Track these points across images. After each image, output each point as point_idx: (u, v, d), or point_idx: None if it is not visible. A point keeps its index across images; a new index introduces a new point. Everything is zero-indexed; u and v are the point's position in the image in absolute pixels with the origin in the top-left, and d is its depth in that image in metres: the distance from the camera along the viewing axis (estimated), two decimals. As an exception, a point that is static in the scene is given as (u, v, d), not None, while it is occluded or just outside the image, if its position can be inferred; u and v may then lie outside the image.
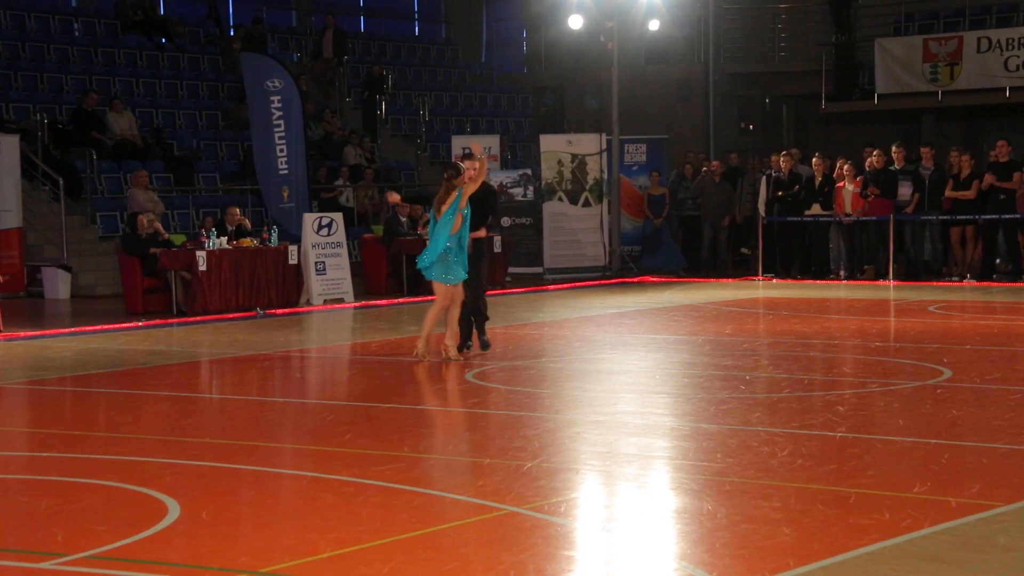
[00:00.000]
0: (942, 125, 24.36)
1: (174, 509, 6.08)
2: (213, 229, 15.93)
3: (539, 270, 20.22)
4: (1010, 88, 22.49)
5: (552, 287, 18.48)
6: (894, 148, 18.85)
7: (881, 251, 18.88)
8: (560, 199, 20.96)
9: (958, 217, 18.31)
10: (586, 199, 20.92)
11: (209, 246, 15.59)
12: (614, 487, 6.61)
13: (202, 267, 15.38)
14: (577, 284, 18.84)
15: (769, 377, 10.12)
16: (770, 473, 6.67)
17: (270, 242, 16.35)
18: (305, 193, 18.37)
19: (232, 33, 24.94)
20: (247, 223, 17.02)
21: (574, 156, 20.93)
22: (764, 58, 26.16)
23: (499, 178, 20.31)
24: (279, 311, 15.78)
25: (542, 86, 27.97)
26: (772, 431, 7.73)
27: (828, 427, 7.84)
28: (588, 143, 21.00)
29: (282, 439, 8.08)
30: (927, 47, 23.24)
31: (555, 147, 21.08)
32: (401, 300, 17.15)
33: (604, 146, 20.86)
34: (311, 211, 17.89)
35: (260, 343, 12.75)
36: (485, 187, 11.21)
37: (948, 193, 18.41)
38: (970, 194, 18.21)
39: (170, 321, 14.75)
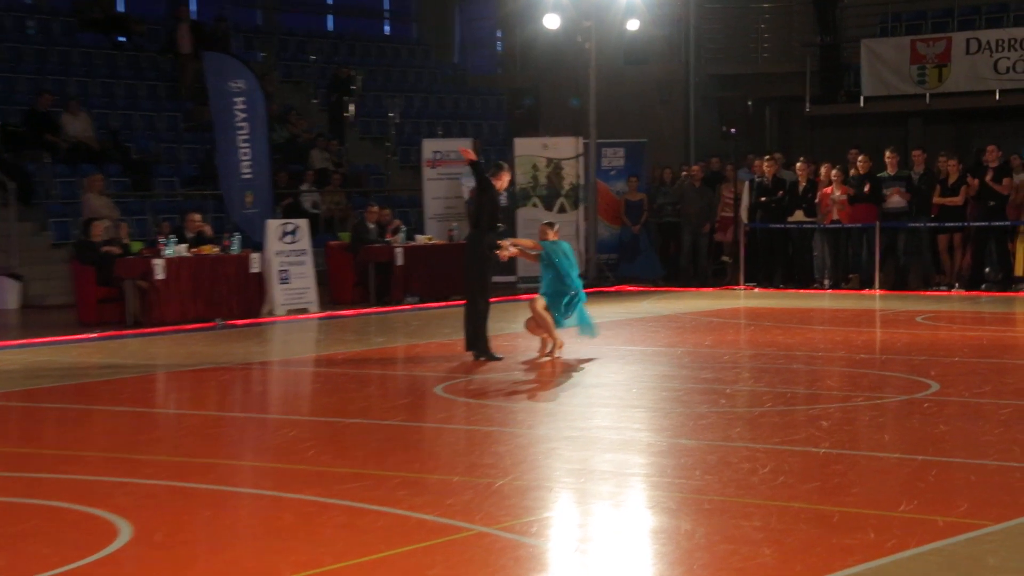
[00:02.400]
0: (930, 129, 24.50)
1: (125, 531, 6.01)
2: (172, 236, 15.84)
3: (512, 279, 20.20)
4: (1000, 91, 22.64)
5: (525, 296, 18.46)
6: (887, 154, 18.87)
7: (867, 259, 18.95)
8: (535, 205, 20.96)
9: (946, 224, 18.39)
10: (561, 205, 20.92)
11: (167, 254, 15.51)
12: (588, 506, 6.58)
13: (159, 276, 15.30)
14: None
15: (750, 391, 10.12)
16: (751, 491, 6.65)
17: (231, 249, 16.28)
18: (269, 198, 18.30)
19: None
20: (207, 230, 16.94)
21: (549, 160, 20.94)
22: (747, 59, 26.26)
23: (471, 183, 20.26)
24: (240, 322, 15.71)
25: (517, 88, 28.00)
26: (753, 447, 7.72)
27: (811, 443, 7.83)
28: (564, 147, 21.01)
29: (241, 456, 8.01)
30: (915, 48, 23.37)
31: (530, 151, 21.08)
32: (368, 310, 17.08)
33: (581, 150, 20.87)
34: (274, 217, 17.84)
35: (220, 355, 12.69)
36: (486, 183, 11.82)
37: (936, 199, 18.49)
38: (958, 200, 18.31)
39: (125, 333, 14.65)
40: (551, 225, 12.25)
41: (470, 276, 11.83)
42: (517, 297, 18.51)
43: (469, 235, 12.12)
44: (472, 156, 11.97)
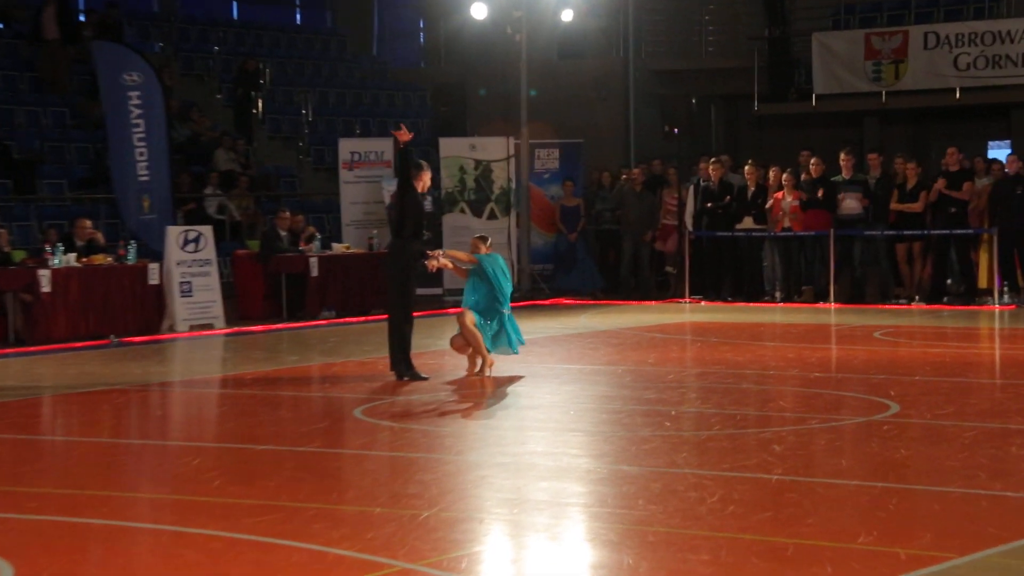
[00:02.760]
0: (886, 129, 24.87)
1: (6, 573, 5.90)
2: (59, 244, 15.64)
3: (438, 291, 20.18)
4: (960, 89, 23.02)
5: (452, 310, 18.44)
6: (842, 156, 19.04)
7: (821, 270, 19.15)
8: (462, 211, 20.98)
9: (904, 232, 18.63)
10: (491, 211, 20.95)
11: (54, 264, 15.33)
12: (523, 539, 6.58)
13: (45, 288, 15.11)
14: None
15: (697, 412, 10.18)
16: (698, 522, 6.68)
17: (127, 259, 16.13)
18: (168, 203, 18.14)
19: (83, 19, 24.55)
20: (99, 237, 16.77)
21: (478, 162, 20.97)
22: (690, 54, 26.50)
23: (393, 187, 20.20)
24: (137, 339, 15.56)
25: (442, 83, 28.00)
26: (701, 473, 7.76)
27: (763, 469, 7.88)
28: (494, 148, 21.06)
29: (139, 487, 7.93)
30: (869, 43, 23.72)
31: (456, 152, 21.11)
32: (280, 326, 16.97)
33: (512, 151, 20.92)
34: (175, 223, 17.69)
35: (114, 376, 12.57)
36: (407, 185, 11.84)
37: (893, 205, 18.72)
38: (917, 206, 18.55)
39: (6, 351, 14.43)
40: (484, 239, 12.26)
41: (392, 289, 11.80)
42: (444, 311, 18.47)
43: (391, 244, 12.09)
44: (407, 136, 11.77)
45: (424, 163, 12.16)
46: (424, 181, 11.96)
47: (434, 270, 12.10)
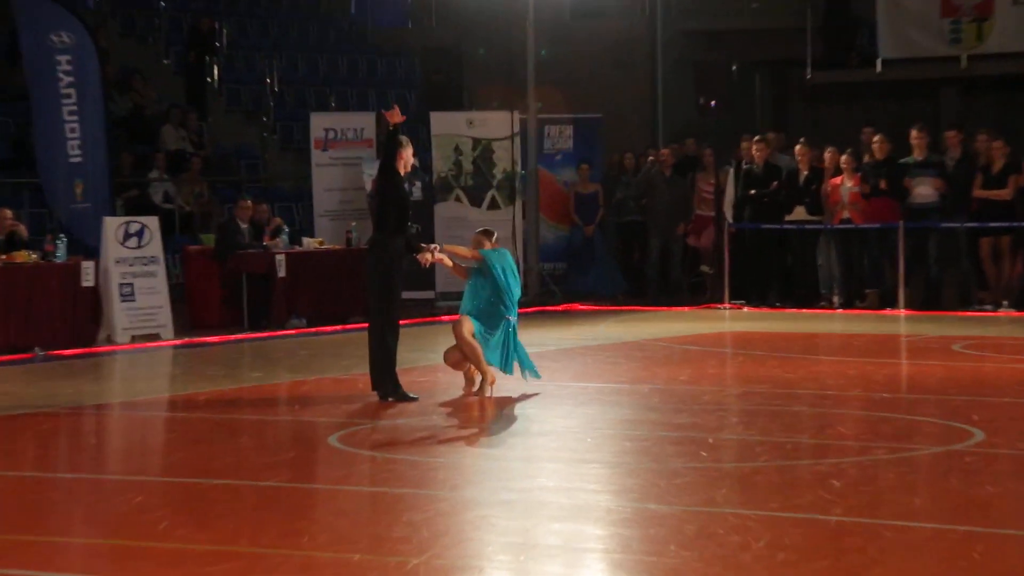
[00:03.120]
0: (967, 101, 24.84)
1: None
2: (-26, 239, 15.67)
3: (430, 295, 20.18)
4: (1056, 53, 23.00)
5: (447, 318, 18.43)
6: (914, 133, 19.05)
7: (888, 270, 19.12)
8: (457, 199, 20.97)
9: (989, 225, 18.62)
10: (492, 199, 20.95)
11: (-31, 262, 15.36)
12: (531, 593, 6.57)
13: (-41, 291, 15.13)
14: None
15: (740, 440, 10.17)
16: (741, 572, 6.66)
17: (55, 256, 16.13)
18: (106, 189, 18.14)
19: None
20: (22, 230, 16.80)
21: (476, 141, 20.97)
22: (730, 11, 26.49)
23: (373, 171, 20.23)
24: (67, 352, 15.57)
25: (433, 47, 27.99)
26: (744, 514, 7.74)
27: (819, 508, 7.87)
28: (496, 124, 21.04)
29: (69, 531, 7.91)
30: (947, -3, 23.69)
31: (451, 129, 21.10)
32: (241, 336, 16.97)
33: (517, 128, 20.91)
34: (114, 214, 17.68)
35: (40, 396, 12.57)
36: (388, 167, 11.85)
37: (976, 192, 18.72)
38: (1005, 194, 18.55)
39: (-87, 367, 14.46)
40: (489, 234, 12.23)
41: (373, 292, 11.79)
42: (436, 319, 18.48)
43: (372, 239, 12.08)
44: (399, 118, 11.72)
45: (403, 138, 12.05)
46: (405, 159, 11.90)
47: (427, 265, 12.08)
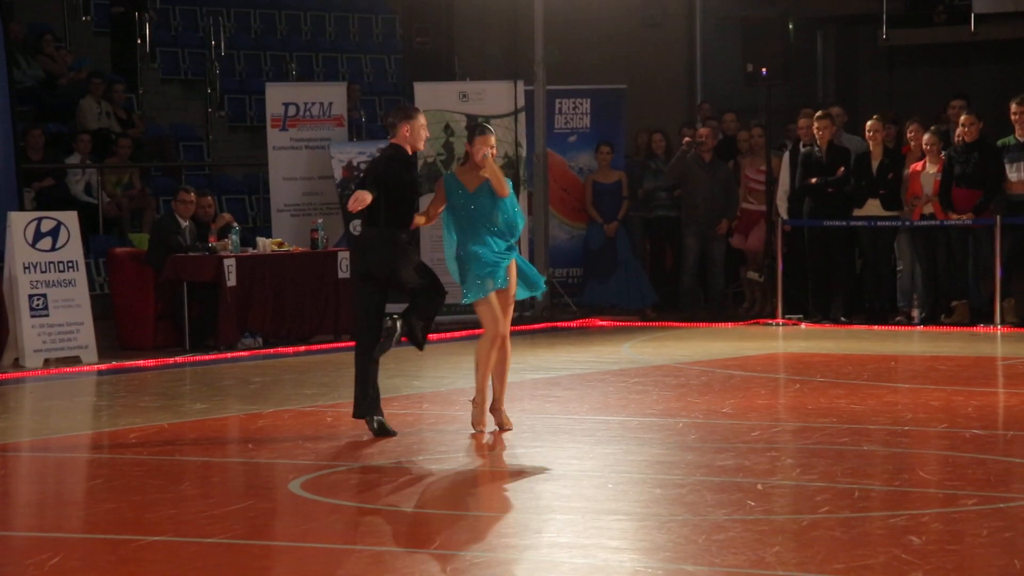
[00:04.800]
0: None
1: None
2: None
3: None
4: None
5: (437, 336, 18.45)
6: (1014, 107, 18.98)
7: (981, 277, 19.11)
8: (449, 189, 20.97)
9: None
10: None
11: None
12: (540, 674, 6.58)
13: None
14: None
15: (796, 487, 10.17)
16: (801, 647, 6.68)
17: (-49, 262, 16.18)
18: (10, 178, 18.14)
19: None
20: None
21: (471, 118, 20.96)
22: (786, -43, 26.51)
23: (348, 154, 20.29)
24: (-32, 379, 15.60)
25: (418, 2, 28.04)
26: (803, 576, 7.75)
27: (896, 570, 7.87)
28: (494, 97, 21.04)
29: (-30, 598, 7.92)
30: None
31: (440, 103, 21.09)
32: (181, 360, 16.97)
33: (521, 103, 20.92)
34: (20, 208, 17.72)
35: (-65, 434, 12.56)
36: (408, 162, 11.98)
37: (1089, 181, 18.75)
38: None
39: None
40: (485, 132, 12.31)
41: (401, 280, 11.90)
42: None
43: (361, 235, 12.06)
44: (361, 205, 11.69)
45: (414, 107, 12.07)
46: (416, 134, 11.91)
47: (354, 211, 11.96)
